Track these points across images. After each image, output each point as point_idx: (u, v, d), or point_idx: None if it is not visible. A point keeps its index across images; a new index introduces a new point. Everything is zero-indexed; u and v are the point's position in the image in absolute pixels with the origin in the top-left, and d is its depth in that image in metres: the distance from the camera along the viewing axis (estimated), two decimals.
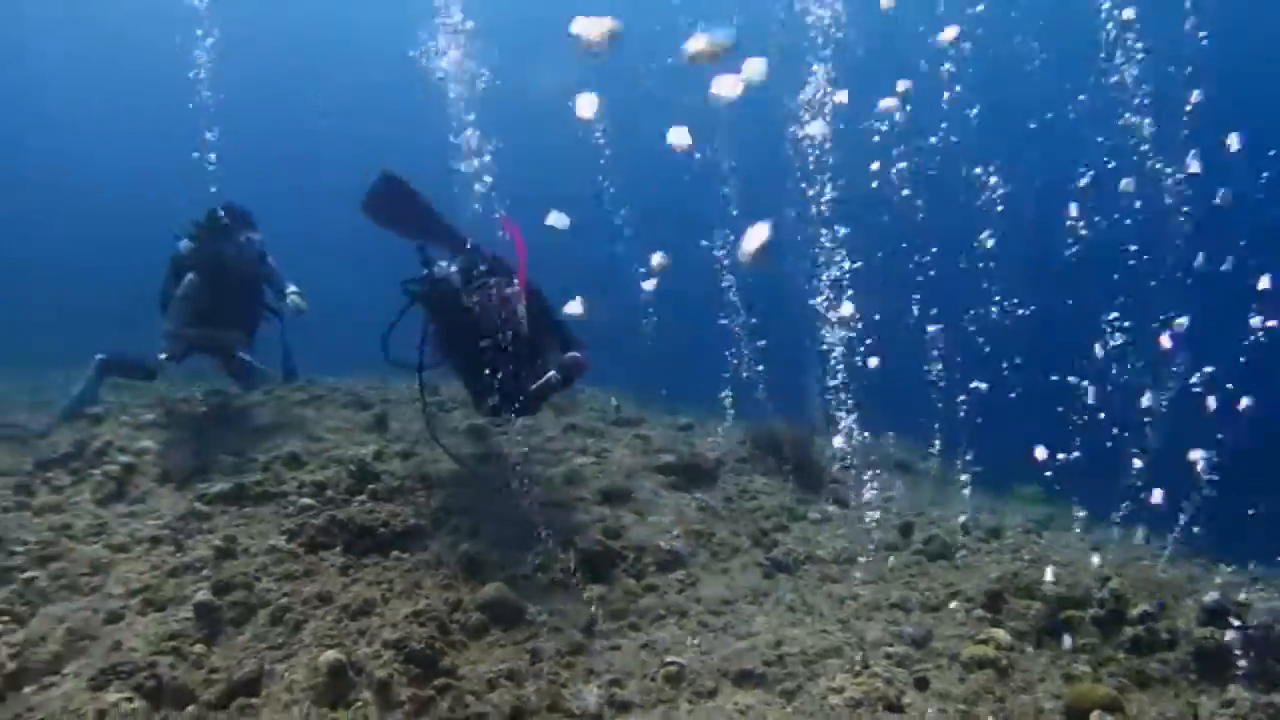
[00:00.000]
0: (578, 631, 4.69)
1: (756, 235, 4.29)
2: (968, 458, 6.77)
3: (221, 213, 8.08)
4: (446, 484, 6.59)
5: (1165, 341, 5.96)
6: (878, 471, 8.68)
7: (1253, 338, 5.85)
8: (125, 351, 8.41)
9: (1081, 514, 7.09)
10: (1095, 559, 5.81)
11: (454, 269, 6.34)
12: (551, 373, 6.07)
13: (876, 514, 7.18)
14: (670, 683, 4.21)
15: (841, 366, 5.86)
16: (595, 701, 3.99)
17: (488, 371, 5.88)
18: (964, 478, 7.73)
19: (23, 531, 5.55)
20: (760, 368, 7.45)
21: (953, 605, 5.29)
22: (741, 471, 8.07)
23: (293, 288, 8.42)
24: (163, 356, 8.01)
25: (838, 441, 7.78)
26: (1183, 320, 6.00)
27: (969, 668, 4.43)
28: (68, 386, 8.44)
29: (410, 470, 6.79)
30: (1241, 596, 5.14)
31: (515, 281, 5.96)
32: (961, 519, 7.15)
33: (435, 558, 5.40)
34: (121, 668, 4.03)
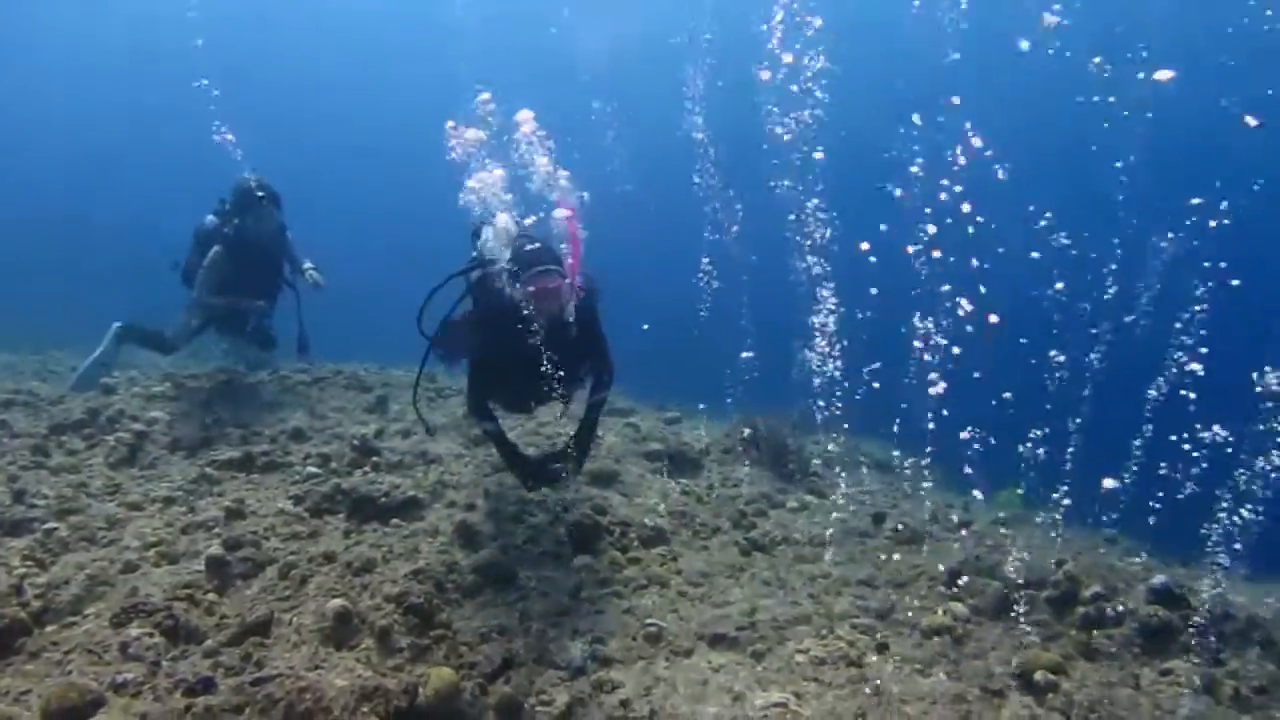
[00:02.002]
0: (565, 596, 4.99)
1: None
2: (929, 454, 7.04)
3: (255, 188, 8.42)
4: (444, 461, 6.91)
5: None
6: (857, 468, 9.00)
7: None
8: (143, 321, 8.76)
9: (1054, 512, 7.39)
10: (1055, 547, 6.13)
11: (506, 253, 5.49)
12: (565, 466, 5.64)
13: (852, 504, 7.49)
14: (650, 642, 4.52)
15: (829, 367, 6.14)
16: (579, 657, 4.29)
17: (534, 373, 5.24)
18: (932, 476, 8.04)
19: (42, 487, 5.86)
20: (748, 361, 7.73)
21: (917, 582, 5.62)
22: (725, 461, 8.40)
23: (309, 264, 8.84)
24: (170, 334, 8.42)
25: (819, 438, 8.13)
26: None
27: (927, 635, 4.76)
28: (76, 360, 8.79)
29: (409, 448, 7.10)
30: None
31: (569, 273, 5.23)
32: (930, 509, 7.47)
33: (432, 526, 5.71)
34: (141, 608, 4.35)
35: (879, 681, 4.08)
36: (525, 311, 5.06)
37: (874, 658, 4.43)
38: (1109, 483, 5.65)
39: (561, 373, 5.27)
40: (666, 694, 3.93)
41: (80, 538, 5.27)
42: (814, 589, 5.50)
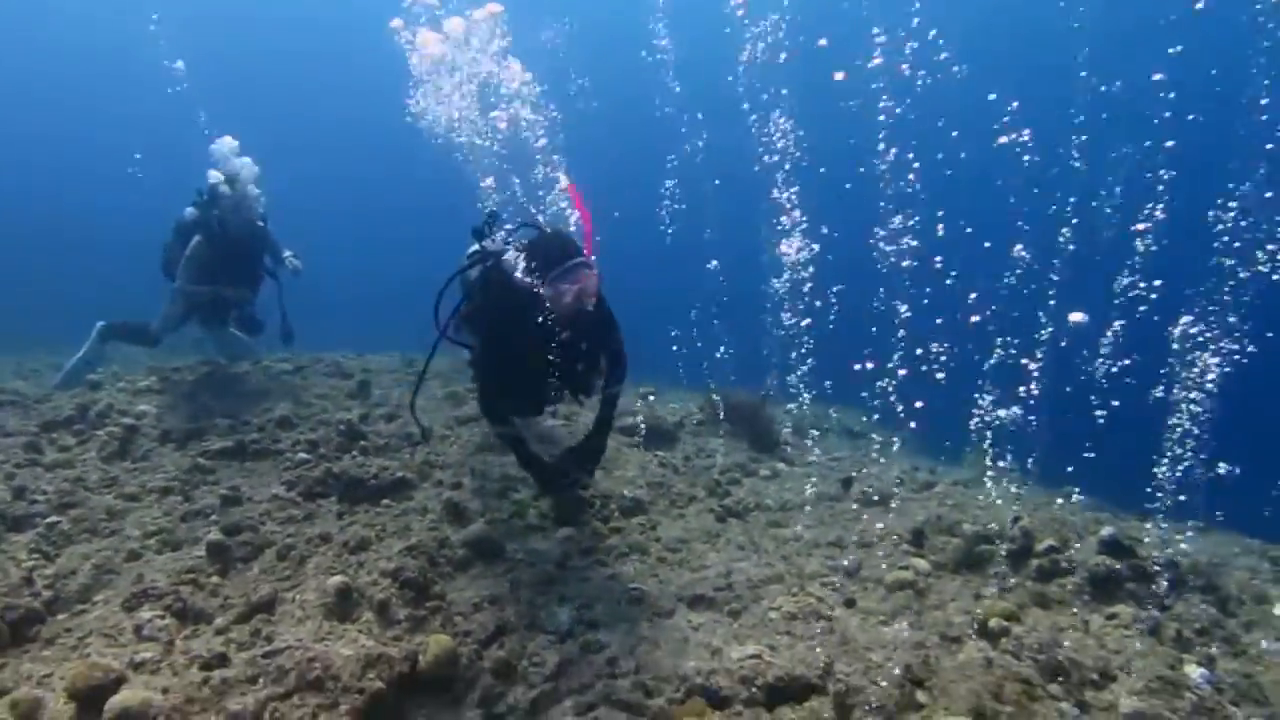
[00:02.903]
0: (551, 565, 5.26)
1: None
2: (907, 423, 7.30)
3: (223, 180, 8.56)
4: (429, 442, 7.15)
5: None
6: (826, 436, 9.32)
7: None
8: (126, 318, 8.93)
9: (1013, 472, 7.69)
10: (1011, 505, 6.48)
11: (518, 248, 5.04)
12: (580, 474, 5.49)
13: (822, 471, 7.80)
14: (633, 605, 4.81)
15: (796, 339, 6.39)
16: (567, 620, 4.57)
17: (553, 372, 5.04)
18: (899, 440, 8.37)
19: (40, 483, 6.05)
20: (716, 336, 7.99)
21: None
22: (699, 434, 8.69)
23: (289, 252, 8.99)
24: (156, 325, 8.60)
25: (789, 409, 8.43)
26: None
27: (891, 589, 5.10)
28: (56, 359, 8.96)
29: (395, 431, 7.34)
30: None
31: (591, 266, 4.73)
32: (896, 474, 7.81)
33: (421, 505, 5.97)
34: (150, 592, 4.60)
35: (845, 632, 4.40)
36: (553, 311, 4.62)
37: (841, 611, 4.75)
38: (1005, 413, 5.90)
39: (581, 368, 5.10)
40: (649, 651, 4.21)
41: (82, 530, 5.50)
42: (785, 551, 5.81)
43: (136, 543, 5.32)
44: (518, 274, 4.75)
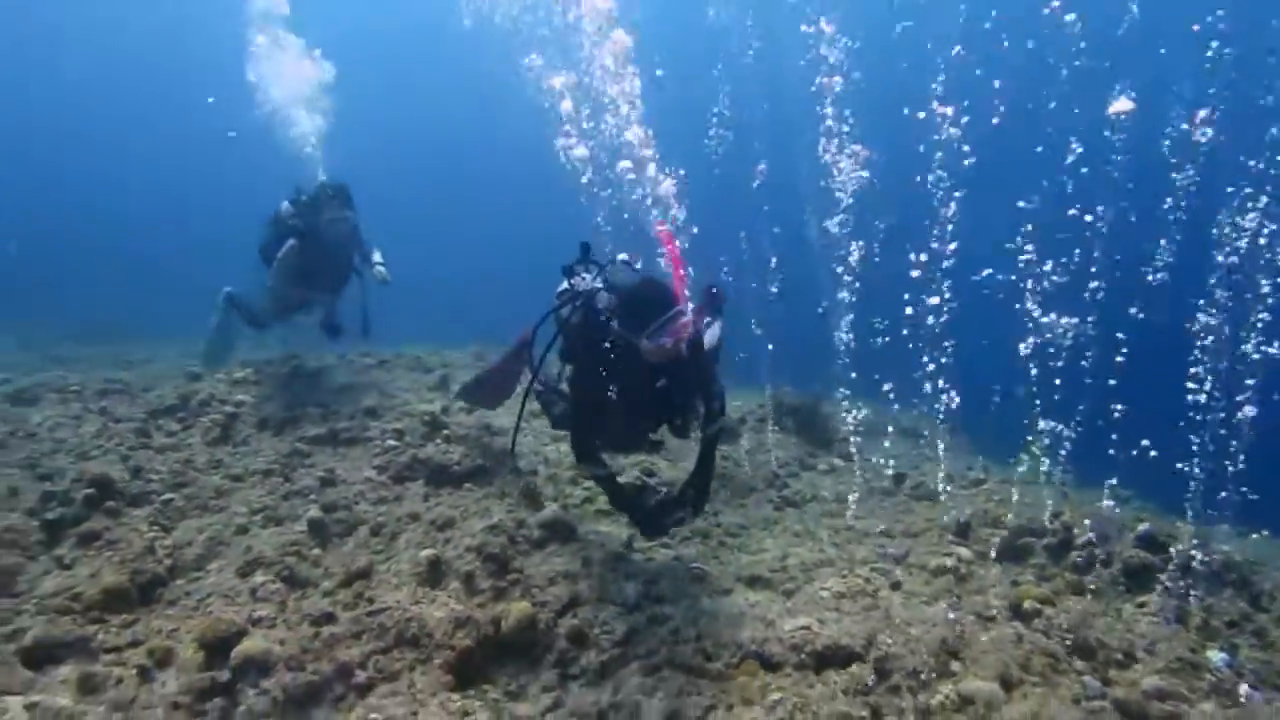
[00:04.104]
0: (619, 546, 5.70)
1: None
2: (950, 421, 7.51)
3: (327, 188, 9.01)
4: (506, 434, 7.64)
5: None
6: (883, 435, 9.65)
7: None
8: (246, 294, 9.64)
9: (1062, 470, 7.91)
10: (1054, 500, 6.77)
11: (610, 288, 5.12)
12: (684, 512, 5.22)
13: (875, 468, 8.15)
14: (695, 583, 5.23)
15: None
16: (634, 595, 4.99)
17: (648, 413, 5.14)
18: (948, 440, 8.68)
19: (153, 463, 6.64)
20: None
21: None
22: (759, 430, 9.09)
23: (378, 258, 9.37)
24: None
25: (846, 407, 8.79)
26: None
27: (935, 574, 5.47)
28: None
29: (474, 422, 7.84)
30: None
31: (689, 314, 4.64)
32: (947, 471, 8.12)
33: (500, 490, 6.45)
34: (260, 561, 5.15)
35: (889, 610, 4.78)
36: (648, 359, 4.61)
37: (886, 593, 5.13)
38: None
39: (677, 410, 5.10)
40: (709, 623, 4.62)
41: (194, 506, 6.07)
42: (838, 539, 6.20)
43: (244, 518, 5.87)
44: (613, 323, 4.74)
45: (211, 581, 5.04)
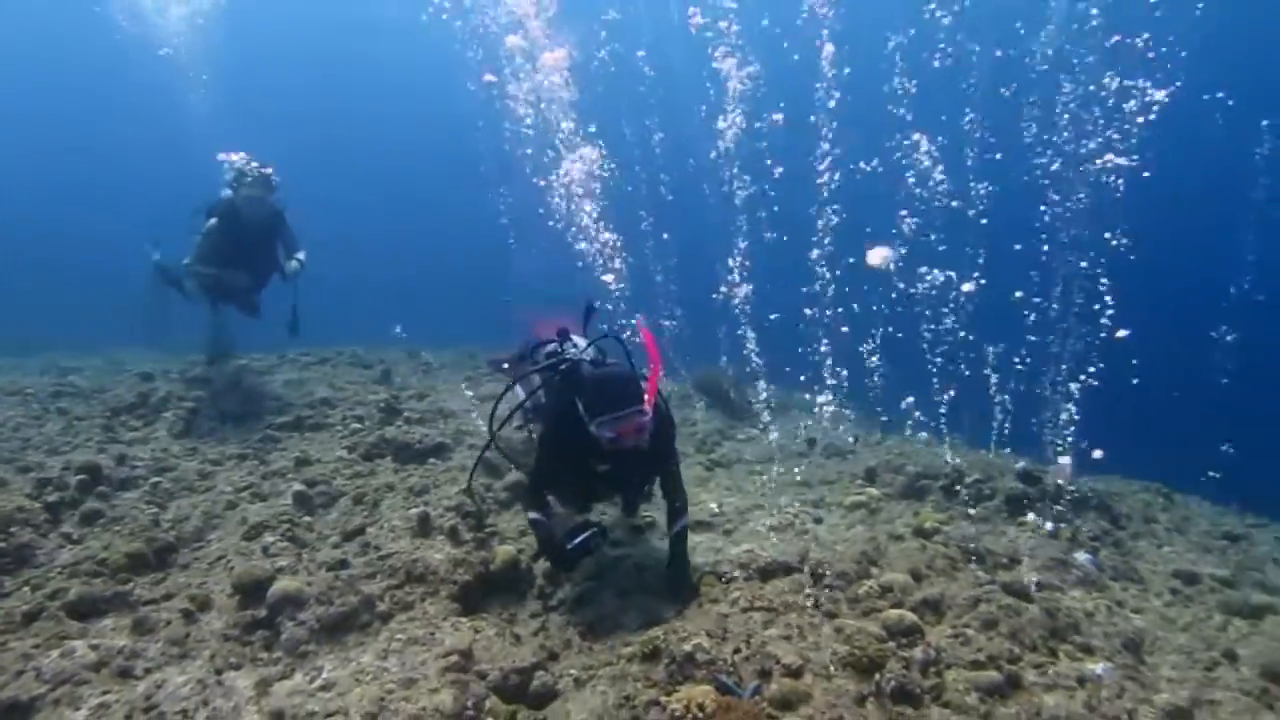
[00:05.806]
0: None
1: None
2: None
3: (245, 171, 8.95)
4: (458, 416, 8.34)
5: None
6: (789, 409, 10.65)
7: None
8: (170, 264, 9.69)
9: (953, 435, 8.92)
10: (946, 451, 7.84)
11: (591, 364, 5.46)
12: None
13: (789, 435, 9.12)
14: (648, 529, 6.06)
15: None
16: (593, 540, 5.74)
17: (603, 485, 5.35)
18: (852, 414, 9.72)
19: (134, 451, 7.11)
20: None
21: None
22: (684, 406, 9.98)
23: (300, 255, 9.31)
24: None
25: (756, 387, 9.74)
26: None
27: (850, 510, 6.45)
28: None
29: (426, 407, 8.51)
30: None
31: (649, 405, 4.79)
32: (853, 435, 9.14)
33: (461, 463, 7.15)
34: (264, 525, 5.78)
35: (816, 536, 5.70)
36: (604, 448, 4.78)
37: (812, 525, 6.06)
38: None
39: (631, 489, 5.38)
40: (662, 558, 5.43)
41: (181, 488, 6.60)
42: (764, 490, 7.12)
43: (231, 495, 6.44)
44: (579, 404, 4.89)
45: (219, 546, 5.63)
